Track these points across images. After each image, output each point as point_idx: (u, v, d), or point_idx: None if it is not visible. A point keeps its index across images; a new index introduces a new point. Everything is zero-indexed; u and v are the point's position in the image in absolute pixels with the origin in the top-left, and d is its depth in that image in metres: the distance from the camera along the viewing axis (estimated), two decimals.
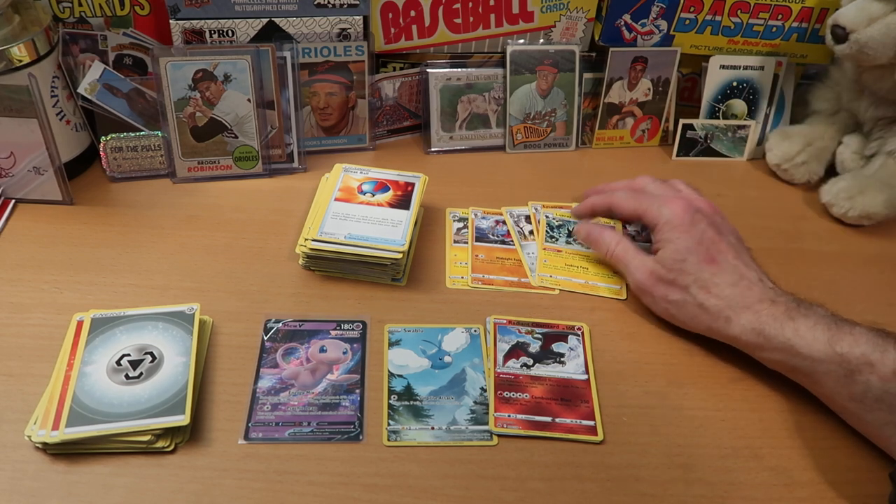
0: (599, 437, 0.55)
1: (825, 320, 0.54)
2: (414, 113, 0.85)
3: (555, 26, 0.82)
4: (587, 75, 0.85)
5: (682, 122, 0.86)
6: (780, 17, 0.83)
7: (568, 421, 0.56)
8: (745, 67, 0.85)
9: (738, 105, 0.87)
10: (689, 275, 0.59)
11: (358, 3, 0.75)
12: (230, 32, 0.74)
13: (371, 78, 0.79)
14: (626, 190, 0.68)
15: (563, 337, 0.62)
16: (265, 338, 0.60)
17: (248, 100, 0.74)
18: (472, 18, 0.80)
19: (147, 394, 0.53)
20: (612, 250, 0.66)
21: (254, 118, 0.75)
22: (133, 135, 0.74)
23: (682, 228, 0.60)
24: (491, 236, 0.72)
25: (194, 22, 0.73)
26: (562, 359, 0.60)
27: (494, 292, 0.67)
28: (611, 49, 0.83)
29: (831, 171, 0.83)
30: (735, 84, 0.86)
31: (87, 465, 0.51)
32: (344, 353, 0.60)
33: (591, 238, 0.68)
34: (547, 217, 0.74)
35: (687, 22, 0.83)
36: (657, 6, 0.81)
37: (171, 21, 0.73)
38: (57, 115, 0.71)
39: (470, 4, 0.79)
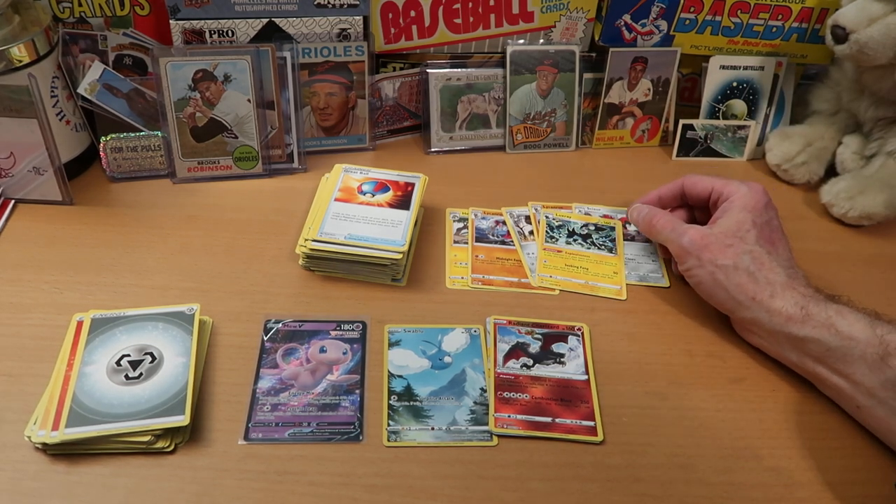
0: (599, 438, 0.55)
1: (864, 311, 0.56)
2: (414, 113, 0.85)
3: (555, 26, 0.82)
4: (587, 75, 0.85)
5: (682, 122, 0.86)
6: (780, 17, 0.83)
7: (568, 421, 0.56)
8: (745, 67, 0.85)
9: (738, 105, 0.87)
10: (747, 244, 0.60)
11: (358, 3, 0.75)
12: (230, 32, 0.74)
13: (371, 78, 0.79)
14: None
15: (563, 337, 0.62)
16: (265, 338, 0.60)
17: (248, 100, 0.74)
18: (472, 18, 0.80)
19: (147, 394, 0.53)
20: (657, 219, 0.66)
21: (254, 118, 0.75)
22: (133, 135, 0.74)
23: (754, 209, 0.62)
24: (491, 237, 0.72)
25: (194, 22, 0.73)
26: (562, 359, 0.60)
27: (494, 293, 0.67)
28: (611, 49, 0.83)
29: (831, 172, 0.83)
30: (735, 84, 0.86)
31: (87, 465, 0.51)
32: (344, 353, 0.60)
33: (643, 214, 0.68)
34: (547, 217, 0.74)
35: (687, 22, 0.83)
36: (657, 6, 0.81)
37: (171, 21, 0.73)
38: (57, 115, 0.71)
39: (470, 4, 0.79)
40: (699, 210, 0.69)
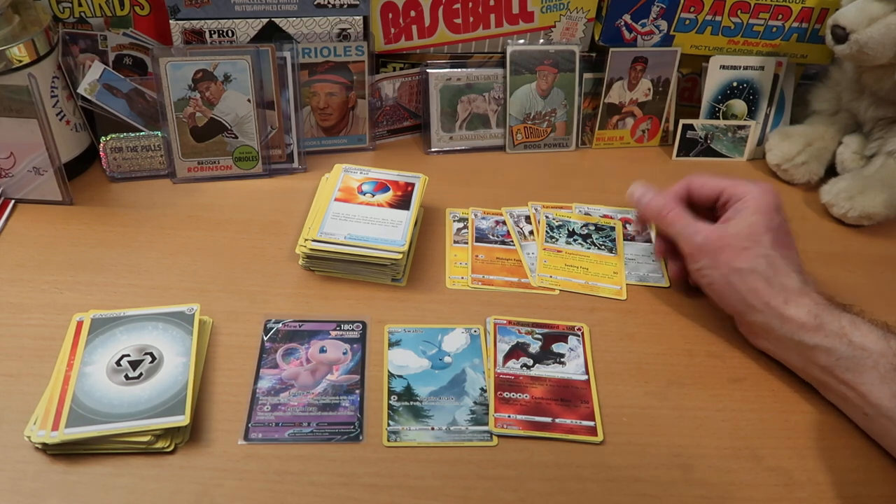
0: (599, 438, 0.55)
1: (876, 323, 0.56)
2: (414, 113, 0.85)
3: (555, 26, 0.82)
4: (587, 75, 0.85)
5: (682, 122, 0.86)
6: (780, 17, 0.83)
7: (568, 421, 0.56)
8: (746, 67, 0.85)
9: (739, 105, 0.87)
10: (763, 248, 0.58)
11: (358, 3, 0.75)
12: (230, 32, 0.74)
13: (371, 78, 0.79)
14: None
15: (563, 337, 0.62)
16: (265, 338, 0.60)
17: (248, 100, 0.74)
18: (472, 18, 0.80)
19: (147, 394, 0.53)
20: (668, 211, 0.63)
21: (254, 118, 0.75)
22: (133, 135, 0.74)
23: (765, 211, 0.60)
24: (491, 237, 0.72)
25: (194, 22, 0.73)
26: (562, 359, 0.60)
27: (494, 293, 0.67)
28: (611, 49, 0.83)
29: (831, 172, 0.83)
30: (735, 84, 0.86)
31: (86, 465, 0.51)
32: (344, 353, 0.60)
33: (648, 198, 0.65)
34: (547, 217, 0.74)
35: (687, 22, 0.83)
36: (657, 6, 0.81)
37: (171, 21, 0.73)
38: (57, 115, 0.71)
39: (470, 4, 0.79)
40: (702, 211, 0.69)
